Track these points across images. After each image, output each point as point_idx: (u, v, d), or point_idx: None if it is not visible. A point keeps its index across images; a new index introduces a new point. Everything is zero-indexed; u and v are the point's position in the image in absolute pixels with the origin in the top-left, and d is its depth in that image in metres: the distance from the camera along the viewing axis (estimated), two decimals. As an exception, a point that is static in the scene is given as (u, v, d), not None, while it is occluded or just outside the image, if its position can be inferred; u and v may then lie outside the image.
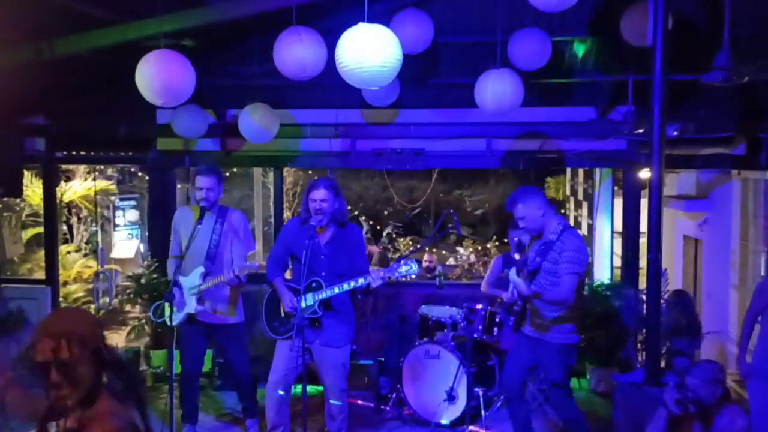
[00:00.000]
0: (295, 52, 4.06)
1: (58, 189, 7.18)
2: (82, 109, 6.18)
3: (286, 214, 9.21)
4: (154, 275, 6.06)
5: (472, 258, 11.20)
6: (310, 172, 10.27)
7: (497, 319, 5.14)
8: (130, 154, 6.94)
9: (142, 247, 10.03)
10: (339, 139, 6.00)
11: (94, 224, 9.45)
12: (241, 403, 4.90)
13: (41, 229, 7.34)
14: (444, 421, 4.96)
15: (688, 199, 7.21)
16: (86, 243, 9.34)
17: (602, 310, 5.67)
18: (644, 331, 5.19)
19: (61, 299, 6.78)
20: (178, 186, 7.53)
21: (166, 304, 4.25)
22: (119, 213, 10.36)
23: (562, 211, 10.16)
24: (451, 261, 11.44)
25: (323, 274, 4.17)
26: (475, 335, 5.04)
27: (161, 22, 4.10)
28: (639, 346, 5.67)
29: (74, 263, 8.25)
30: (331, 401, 4.28)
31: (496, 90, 4.57)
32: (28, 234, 8.05)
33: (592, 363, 5.83)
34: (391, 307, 6.07)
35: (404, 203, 14.21)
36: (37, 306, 6.27)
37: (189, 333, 4.60)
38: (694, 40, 4.78)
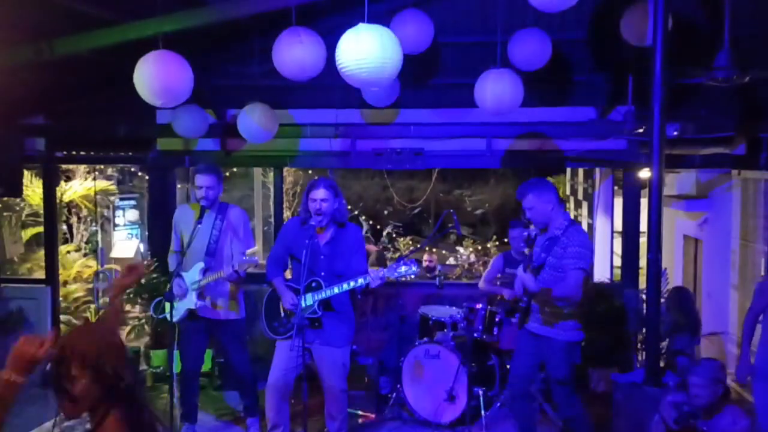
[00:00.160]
0: (295, 53, 4.05)
1: (58, 189, 7.18)
2: (82, 109, 6.18)
3: (286, 214, 9.21)
4: (154, 275, 6.07)
5: (472, 258, 11.21)
6: (310, 172, 10.26)
7: (497, 319, 5.14)
8: (130, 154, 6.93)
9: (142, 247, 10.03)
10: (339, 139, 6.00)
11: (94, 224, 9.45)
12: (242, 401, 4.91)
13: (41, 229, 7.33)
14: (444, 421, 4.96)
15: (688, 199, 7.21)
16: (86, 243, 9.33)
17: (602, 310, 5.67)
18: (644, 330, 5.19)
19: (61, 299, 6.78)
20: (178, 186, 7.53)
21: (166, 302, 4.26)
22: (119, 213, 10.36)
23: (562, 211, 10.13)
24: (451, 261, 11.44)
25: (323, 274, 4.17)
26: (475, 335, 5.04)
27: (161, 22, 4.10)
28: (639, 346, 5.68)
29: (74, 263, 8.23)
30: (331, 401, 4.28)
31: (495, 90, 4.57)
32: (28, 234, 8.04)
33: (592, 363, 5.83)
34: (391, 307, 6.07)
35: (404, 203, 14.21)
36: (37, 306, 6.27)
37: (189, 330, 4.60)
38: (694, 40, 4.78)
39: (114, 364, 1.98)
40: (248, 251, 4.38)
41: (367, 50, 3.26)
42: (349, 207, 11.58)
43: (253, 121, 5.22)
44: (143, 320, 6.38)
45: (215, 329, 4.64)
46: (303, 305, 4.11)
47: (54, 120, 6.22)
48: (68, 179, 8.84)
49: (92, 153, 7.12)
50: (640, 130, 5.28)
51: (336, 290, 4.09)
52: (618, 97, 5.57)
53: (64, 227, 9.05)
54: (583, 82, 5.82)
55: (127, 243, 10.24)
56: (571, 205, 10.01)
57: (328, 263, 4.19)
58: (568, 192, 10.83)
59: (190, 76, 3.98)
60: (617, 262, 6.55)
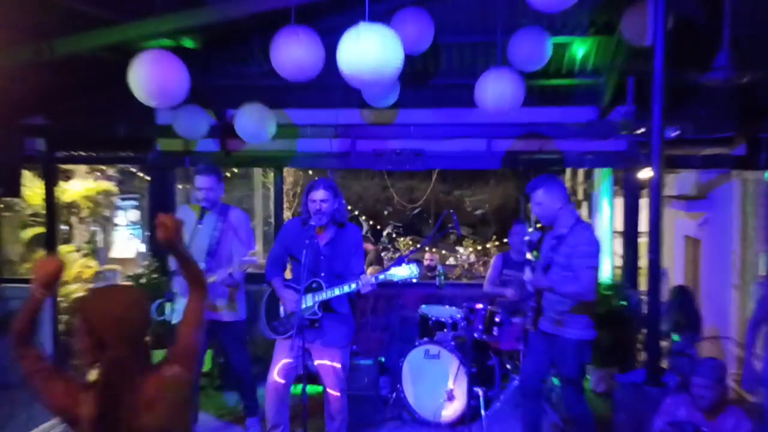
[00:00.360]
0: (293, 53, 4.05)
1: (58, 189, 7.18)
2: (82, 109, 6.18)
3: (286, 214, 9.21)
4: (154, 275, 6.06)
5: (472, 258, 11.23)
6: (310, 172, 10.27)
7: (497, 319, 5.14)
8: (131, 154, 6.94)
9: (142, 247, 10.03)
10: (339, 140, 6.00)
11: (94, 224, 9.45)
12: (241, 401, 4.91)
13: (41, 229, 7.33)
14: (444, 421, 4.96)
15: (688, 199, 7.20)
16: (86, 243, 9.33)
17: (602, 310, 5.66)
18: (644, 330, 5.19)
19: (61, 299, 6.78)
20: (179, 186, 7.54)
21: (167, 303, 4.26)
22: (120, 213, 10.36)
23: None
24: (451, 261, 11.45)
25: (323, 274, 4.17)
26: (475, 335, 5.04)
27: (161, 22, 4.10)
28: (639, 346, 5.67)
29: (74, 263, 8.24)
30: (330, 401, 4.28)
31: (496, 90, 4.57)
32: (28, 234, 8.04)
33: (592, 363, 5.83)
34: (391, 307, 6.07)
35: (404, 203, 14.21)
36: (37, 306, 6.27)
37: None
38: (694, 40, 4.78)
39: (106, 331, 2.08)
40: (249, 253, 4.38)
41: (368, 50, 3.25)
42: (349, 207, 11.58)
43: (250, 121, 5.22)
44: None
45: (216, 330, 4.64)
46: (303, 306, 4.11)
47: (54, 120, 6.22)
48: (68, 179, 8.84)
49: (92, 153, 7.12)
50: (641, 130, 5.28)
51: (337, 291, 4.09)
52: (618, 97, 5.58)
53: (65, 227, 9.05)
54: (583, 82, 5.82)
55: (127, 243, 10.24)
56: (571, 205, 10.00)
57: (328, 264, 4.19)
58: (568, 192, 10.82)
59: (186, 77, 3.96)
60: (617, 262, 6.54)
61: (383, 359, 5.80)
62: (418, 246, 8.89)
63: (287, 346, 4.10)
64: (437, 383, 4.97)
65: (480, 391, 5.01)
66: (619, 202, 6.25)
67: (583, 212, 9.23)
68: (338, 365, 4.23)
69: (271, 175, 8.82)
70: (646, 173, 5.72)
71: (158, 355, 6.09)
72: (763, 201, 5.90)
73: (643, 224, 4.99)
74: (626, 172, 6.05)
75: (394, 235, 13.56)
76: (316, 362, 4.29)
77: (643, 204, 5.35)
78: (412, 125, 5.95)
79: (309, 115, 6.03)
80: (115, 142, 6.54)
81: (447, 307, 5.62)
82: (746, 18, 4.57)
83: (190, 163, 6.23)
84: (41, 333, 6.27)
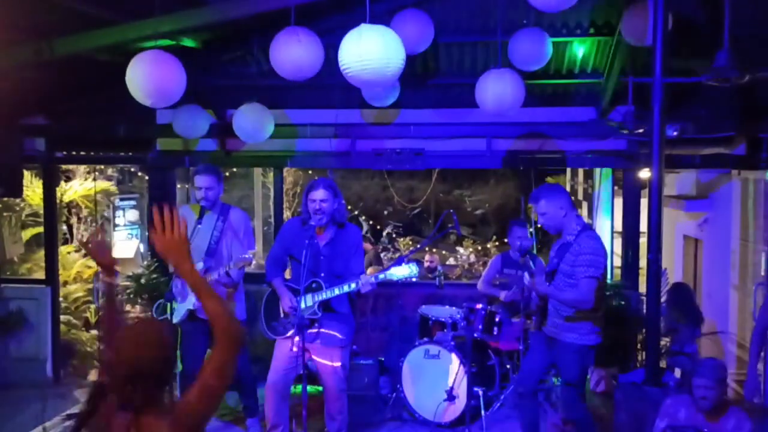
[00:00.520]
0: (292, 53, 4.05)
1: (58, 189, 7.17)
2: (82, 109, 6.18)
3: (286, 214, 9.20)
4: (154, 275, 6.06)
5: (472, 258, 11.23)
6: (310, 172, 10.27)
7: (497, 319, 5.14)
8: (130, 154, 6.93)
9: (142, 247, 10.02)
10: (339, 139, 6.00)
11: (94, 224, 9.44)
12: (241, 402, 4.90)
13: (41, 229, 7.32)
14: (444, 421, 4.96)
15: (688, 199, 7.21)
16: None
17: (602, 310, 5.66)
18: (644, 330, 5.19)
19: (61, 299, 6.78)
20: (178, 186, 7.54)
21: (168, 303, 4.26)
22: (119, 213, 10.35)
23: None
24: (451, 261, 11.45)
25: (322, 274, 4.17)
26: (475, 335, 5.04)
27: (161, 22, 4.10)
28: (639, 345, 5.67)
29: (74, 263, 8.22)
30: (330, 401, 4.28)
31: (496, 90, 4.57)
32: (28, 234, 8.03)
33: (592, 363, 5.83)
34: (391, 307, 6.07)
35: (404, 203, 14.21)
36: (37, 306, 6.27)
37: (190, 331, 4.59)
38: (694, 40, 4.78)
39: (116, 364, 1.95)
40: (248, 253, 4.38)
41: (369, 50, 3.26)
42: (349, 207, 11.58)
43: (248, 120, 5.22)
44: (143, 320, 6.37)
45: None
46: (303, 306, 4.11)
47: (54, 120, 6.22)
48: (68, 179, 8.83)
49: (92, 153, 7.12)
50: (641, 130, 5.28)
51: (337, 291, 4.10)
52: (618, 97, 5.58)
53: (64, 227, 9.04)
54: (583, 82, 5.82)
55: (127, 243, 10.23)
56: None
57: (328, 264, 4.19)
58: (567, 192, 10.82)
59: (183, 76, 3.96)
60: (617, 262, 6.55)
61: (383, 359, 5.80)
62: (418, 246, 8.89)
63: (287, 346, 4.10)
64: (437, 383, 4.97)
65: (480, 391, 5.01)
66: (619, 202, 6.24)
67: (583, 212, 9.22)
68: (338, 365, 4.23)
69: (271, 174, 8.82)
70: (646, 173, 5.72)
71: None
72: (763, 201, 5.90)
73: (643, 224, 4.99)
74: (626, 172, 6.05)
75: (394, 235, 13.56)
76: (316, 362, 4.29)
77: (643, 204, 5.34)
78: (412, 125, 5.95)
79: (309, 114, 6.02)
80: (115, 142, 6.53)
81: (447, 307, 5.62)
82: (746, 18, 4.58)
83: (190, 163, 6.22)
84: (41, 333, 6.28)
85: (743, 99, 5.36)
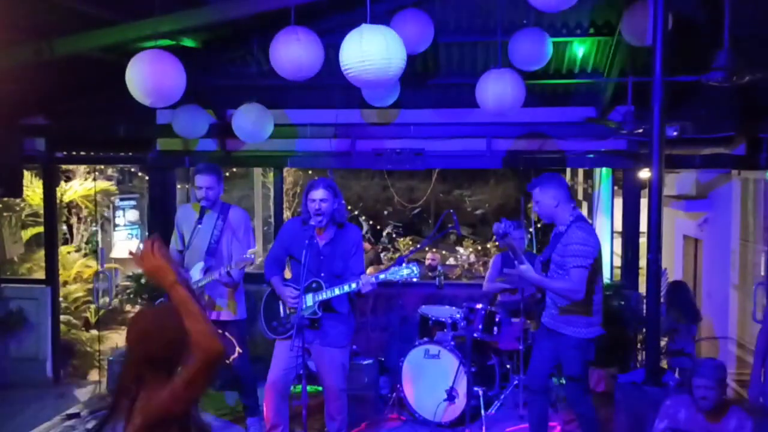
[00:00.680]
0: (292, 52, 4.05)
1: (58, 189, 7.18)
2: (82, 109, 6.18)
3: (286, 214, 9.20)
4: (154, 275, 6.05)
5: (472, 258, 11.21)
6: (310, 172, 10.26)
7: (497, 319, 5.14)
8: (130, 154, 6.94)
9: (141, 247, 10.02)
10: (339, 139, 6.00)
11: (94, 224, 9.44)
12: (241, 401, 4.91)
13: (41, 229, 7.32)
14: (444, 421, 4.96)
15: (688, 199, 7.21)
16: (86, 243, 9.32)
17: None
18: (644, 330, 5.19)
19: (61, 299, 6.78)
20: (178, 186, 7.53)
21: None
22: (119, 213, 10.34)
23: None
24: (451, 261, 11.44)
25: (322, 274, 4.17)
26: (475, 335, 5.04)
27: (161, 22, 4.10)
28: (639, 345, 5.67)
29: (74, 263, 8.23)
30: (330, 401, 4.28)
31: (496, 90, 4.58)
32: (28, 234, 8.03)
33: (592, 363, 5.82)
34: (391, 307, 6.07)
35: (404, 203, 14.19)
36: (37, 306, 6.27)
37: None
38: (694, 40, 4.78)
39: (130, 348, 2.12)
40: (248, 252, 4.38)
41: (370, 51, 3.25)
42: (349, 207, 11.57)
43: (248, 120, 5.22)
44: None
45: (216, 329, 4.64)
46: (303, 306, 4.11)
47: (54, 120, 6.22)
48: (68, 179, 8.83)
49: (92, 153, 7.11)
50: (640, 130, 5.28)
51: (337, 291, 4.10)
52: (618, 97, 5.58)
53: (64, 227, 9.04)
54: (583, 82, 5.82)
55: (127, 243, 10.23)
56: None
57: (328, 264, 4.19)
58: (568, 192, 10.80)
59: (183, 76, 3.96)
60: (617, 262, 6.55)
61: (383, 359, 5.80)
62: (418, 246, 8.89)
63: (287, 346, 4.10)
64: (437, 383, 4.97)
65: (480, 391, 5.01)
66: (619, 202, 6.24)
67: (583, 212, 9.22)
68: (338, 365, 4.23)
69: (271, 174, 8.81)
70: (646, 173, 5.72)
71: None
72: (763, 201, 5.90)
73: (643, 224, 4.99)
74: (626, 172, 6.05)
75: (394, 235, 13.55)
76: (316, 362, 4.29)
77: (643, 204, 5.34)
78: (412, 125, 5.95)
79: (309, 114, 6.02)
80: (115, 142, 6.54)
81: (447, 307, 5.62)
82: (746, 18, 4.58)
83: (190, 163, 6.23)
84: (41, 333, 6.27)
85: (743, 99, 5.36)
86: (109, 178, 9.91)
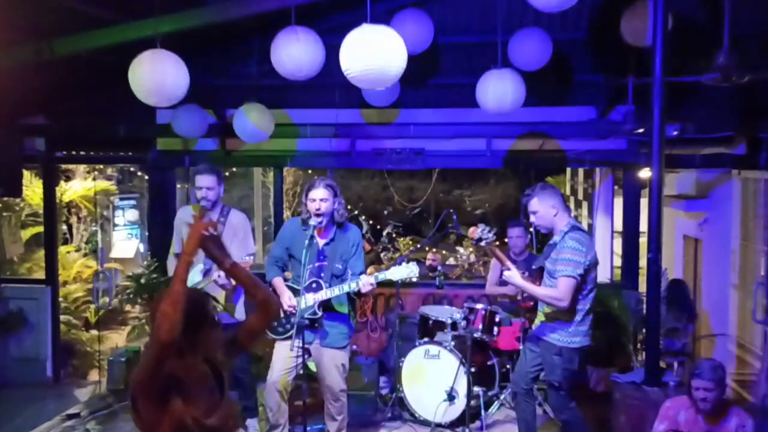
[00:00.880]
0: (292, 52, 4.05)
1: (57, 189, 7.18)
2: (82, 109, 6.18)
3: (286, 214, 9.20)
4: (154, 275, 6.06)
5: (472, 258, 11.20)
6: (310, 172, 10.26)
7: (497, 319, 5.14)
8: (130, 154, 6.93)
9: (141, 247, 10.02)
10: (339, 139, 6.00)
11: (93, 224, 9.44)
12: (240, 402, 4.90)
13: (41, 229, 7.32)
14: (444, 421, 4.96)
15: (688, 198, 7.20)
16: (86, 243, 9.32)
17: (601, 310, 5.66)
18: (644, 330, 5.18)
19: (61, 299, 6.77)
20: (178, 186, 7.54)
21: None
22: (119, 213, 10.35)
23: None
24: (451, 261, 11.44)
25: (322, 274, 4.17)
26: (475, 335, 5.04)
27: (161, 22, 4.09)
28: (639, 346, 5.67)
29: (74, 263, 8.23)
30: (330, 401, 4.28)
31: (497, 90, 4.57)
32: (28, 234, 8.03)
33: (592, 363, 5.83)
34: (391, 307, 6.07)
35: (404, 203, 14.19)
36: (37, 306, 6.27)
37: None
38: (694, 40, 4.78)
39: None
40: (246, 255, 4.38)
41: (371, 51, 3.25)
42: (349, 207, 11.56)
43: (249, 120, 5.22)
44: (143, 320, 6.37)
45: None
46: (303, 305, 4.11)
47: (54, 120, 6.22)
48: (68, 179, 8.84)
49: (92, 153, 7.11)
50: (640, 130, 5.28)
51: (337, 291, 4.10)
52: (618, 97, 5.57)
53: (64, 227, 9.05)
54: (583, 82, 5.81)
55: (127, 243, 10.23)
56: (571, 205, 10.01)
57: (328, 264, 4.19)
58: (568, 192, 10.83)
59: (186, 76, 3.96)
60: (617, 262, 6.54)
61: (383, 359, 5.80)
62: (418, 246, 8.89)
63: (287, 347, 4.10)
64: (437, 383, 4.97)
65: (480, 391, 5.01)
66: (619, 202, 6.24)
67: (583, 212, 9.23)
68: (338, 365, 4.23)
69: (271, 174, 8.82)
70: (646, 173, 5.72)
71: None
72: (763, 201, 5.89)
73: (643, 224, 4.98)
74: (626, 172, 6.05)
75: (394, 235, 13.54)
76: (316, 362, 4.29)
77: (643, 204, 5.34)
78: (412, 125, 5.95)
79: (309, 114, 6.02)
80: (115, 142, 6.54)
81: (447, 307, 5.63)
82: (746, 18, 4.58)
83: (190, 163, 6.23)
84: (41, 333, 6.27)
85: (743, 99, 5.36)
86: (109, 178, 9.91)
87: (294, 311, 4.10)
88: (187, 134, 5.67)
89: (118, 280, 7.78)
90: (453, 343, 5.07)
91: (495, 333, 5.13)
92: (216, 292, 4.52)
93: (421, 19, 4.70)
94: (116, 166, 9.91)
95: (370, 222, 13.78)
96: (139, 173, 10.15)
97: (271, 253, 4.44)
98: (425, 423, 5.03)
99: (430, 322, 5.39)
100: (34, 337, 6.26)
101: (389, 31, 3.33)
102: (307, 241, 4.02)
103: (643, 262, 4.96)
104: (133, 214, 10.53)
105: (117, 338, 7.44)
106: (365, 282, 4.01)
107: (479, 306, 5.18)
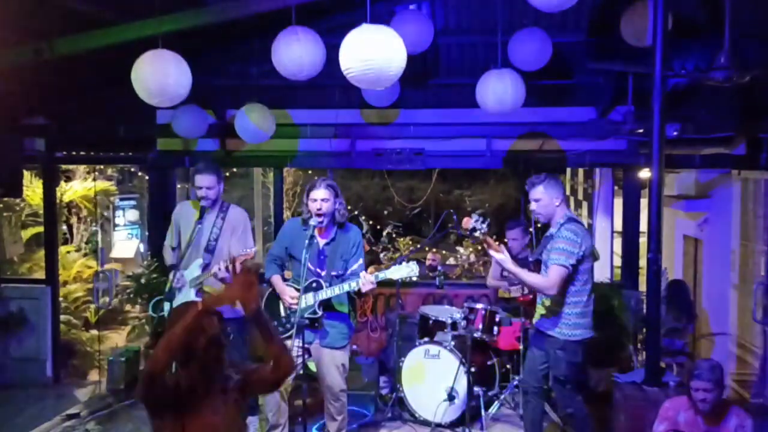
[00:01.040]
0: (293, 52, 4.05)
1: (58, 189, 7.18)
2: (82, 109, 6.18)
3: (286, 214, 9.21)
4: (154, 275, 6.06)
5: (472, 258, 11.22)
6: (310, 172, 10.27)
7: (497, 319, 5.14)
8: (130, 154, 6.93)
9: (141, 247, 10.03)
10: (339, 139, 6.00)
11: (94, 224, 9.44)
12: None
13: (41, 229, 7.32)
14: (444, 421, 4.96)
15: (688, 199, 7.20)
16: (86, 243, 9.33)
17: (601, 309, 5.66)
18: (644, 330, 5.18)
19: (61, 299, 6.77)
20: (178, 186, 7.54)
21: (166, 301, 4.27)
22: (119, 213, 10.35)
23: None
24: (451, 261, 11.44)
25: (323, 274, 4.17)
26: (475, 335, 5.04)
27: (161, 22, 4.10)
28: (639, 345, 5.67)
29: (74, 263, 8.23)
30: (330, 401, 4.28)
31: (497, 90, 4.58)
32: (28, 234, 8.03)
33: (592, 363, 5.82)
34: (391, 307, 6.07)
35: (404, 203, 14.19)
36: (37, 306, 6.27)
37: None
38: (694, 40, 4.78)
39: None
40: (246, 250, 4.38)
41: (370, 51, 3.25)
42: (349, 207, 11.56)
43: (250, 121, 5.22)
44: (143, 320, 6.37)
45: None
46: (303, 305, 4.11)
47: (54, 120, 6.22)
48: (68, 179, 8.84)
49: (92, 153, 7.11)
50: (641, 130, 5.27)
51: (337, 291, 4.10)
52: (618, 97, 5.57)
53: (64, 227, 9.05)
54: (583, 82, 5.81)
55: (127, 243, 10.24)
56: (572, 205, 10.01)
57: (328, 263, 4.19)
58: (568, 192, 10.82)
59: (188, 76, 3.96)
60: (617, 262, 6.54)
61: (383, 359, 5.80)
62: (418, 246, 8.89)
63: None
64: (437, 383, 4.97)
65: (480, 391, 5.01)
66: (619, 202, 6.24)
67: (583, 212, 9.22)
68: (338, 365, 4.23)
69: (271, 174, 8.82)
70: (646, 173, 5.72)
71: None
72: (763, 201, 5.89)
73: (643, 224, 4.98)
74: (626, 172, 6.05)
75: (394, 235, 13.55)
76: (316, 361, 4.29)
77: (643, 204, 5.34)
78: (412, 125, 5.95)
79: (309, 114, 6.02)
80: (115, 142, 6.53)
81: (447, 307, 5.62)
82: (746, 18, 4.57)
83: (190, 163, 6.23)
84: (41, 333, 6.27)
85: (743, 99, 5.35)
86: (109, 178, 9.92)
87: (296, 307, 4.10)
88: (188, 134, 5.67)
89: (118, 280, 7.78)
90: (453, 342, 5.07)
91: (495, 333, 5.13)
92: (216, 286, 4.52)
93: (421, 19, 4.70)
94: (116, 167, 9.91)
95: (370, 222, 13.79)
96: (139, 173, 10.16)
97: (270, 252, 4.44)
98: (425, 423, 5.03)
99: (430, 321, 5.39)
100: (34, 337, 6.26)
101: (389, 31, 3.33)
102: (307, 241, 4.02)
103: (643, 262, 4.95)
104: (133, 214, 10.54)
105: (117, 338, 7.44)
106: (366, 281, 4.01)
107: (479, 306, 5.18)
